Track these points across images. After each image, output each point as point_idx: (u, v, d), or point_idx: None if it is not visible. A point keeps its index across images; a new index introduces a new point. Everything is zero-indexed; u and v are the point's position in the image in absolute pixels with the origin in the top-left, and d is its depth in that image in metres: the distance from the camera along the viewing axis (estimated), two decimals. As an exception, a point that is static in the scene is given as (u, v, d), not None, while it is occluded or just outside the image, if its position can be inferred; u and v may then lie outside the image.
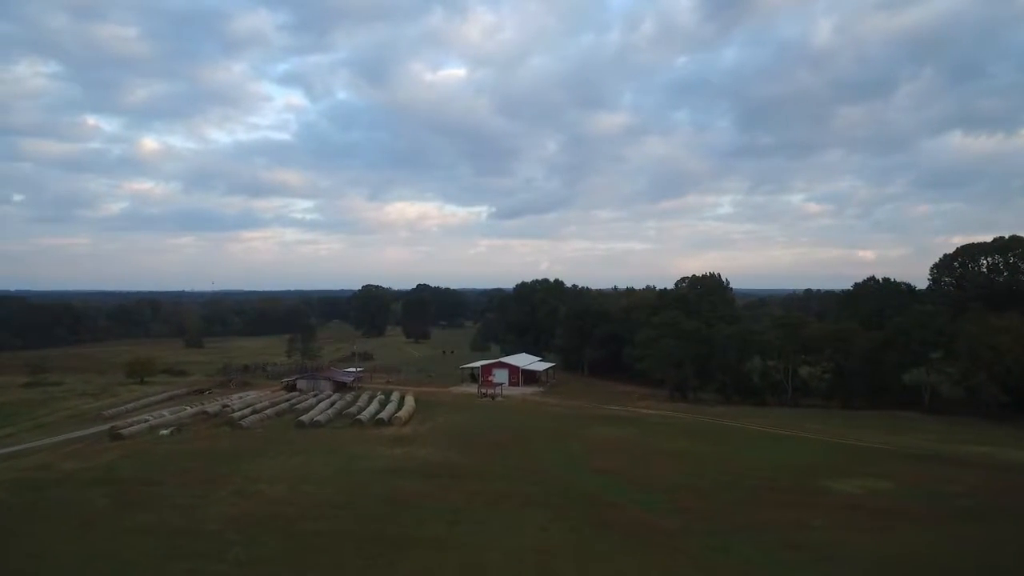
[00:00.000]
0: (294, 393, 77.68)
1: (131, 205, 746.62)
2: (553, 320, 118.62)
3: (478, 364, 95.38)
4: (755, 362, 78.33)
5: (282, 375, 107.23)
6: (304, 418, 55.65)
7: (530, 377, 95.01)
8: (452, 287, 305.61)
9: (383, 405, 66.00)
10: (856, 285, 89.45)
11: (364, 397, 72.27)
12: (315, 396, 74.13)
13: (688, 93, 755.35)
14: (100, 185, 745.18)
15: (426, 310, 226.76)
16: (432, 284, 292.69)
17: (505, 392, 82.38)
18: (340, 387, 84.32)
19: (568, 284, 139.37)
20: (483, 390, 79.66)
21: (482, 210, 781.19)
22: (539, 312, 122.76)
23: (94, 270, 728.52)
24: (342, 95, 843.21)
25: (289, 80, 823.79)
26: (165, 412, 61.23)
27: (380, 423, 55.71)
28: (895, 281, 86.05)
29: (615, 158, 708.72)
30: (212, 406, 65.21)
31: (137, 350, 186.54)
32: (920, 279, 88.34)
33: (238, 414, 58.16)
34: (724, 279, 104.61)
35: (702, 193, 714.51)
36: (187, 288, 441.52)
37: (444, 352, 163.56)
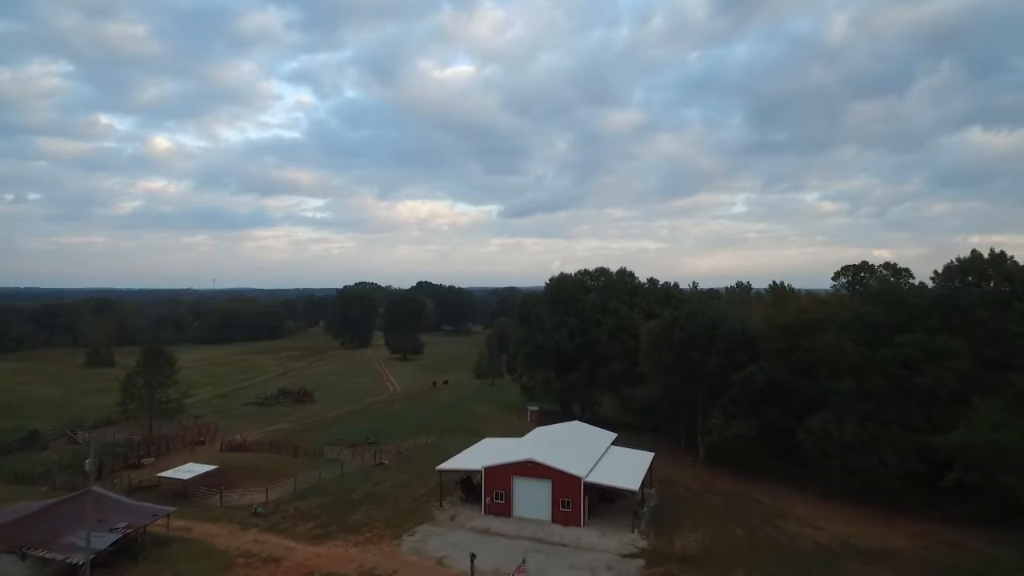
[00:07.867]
0: None
1: (145, 203, 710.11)
2: (627, 345, 62.58)
3: (478, 465, 39.43)
4: None
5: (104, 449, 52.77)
6: None
7: (603, 498, 39.31)
8: (463, 286, 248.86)
9: None
10: None
11: None
12: None
13: (699, 90, 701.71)
14: (114, 184, 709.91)
15: (419, 314, 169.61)
16: (446, 284, 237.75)
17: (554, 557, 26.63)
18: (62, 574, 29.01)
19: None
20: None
21: (492, 208, 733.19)
22: (596, 330, 66.23)
23: (110, 268, 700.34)
24: (351, 93, 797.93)
25: (298, 78, 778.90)
26: None
27: None
28: None
29: (626, 156, 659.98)
30: None
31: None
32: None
33: None
34: (1020, 264, 47.56)
35: (715, 191, 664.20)
36: (193, 286, 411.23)
37: (435, 383, 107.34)
